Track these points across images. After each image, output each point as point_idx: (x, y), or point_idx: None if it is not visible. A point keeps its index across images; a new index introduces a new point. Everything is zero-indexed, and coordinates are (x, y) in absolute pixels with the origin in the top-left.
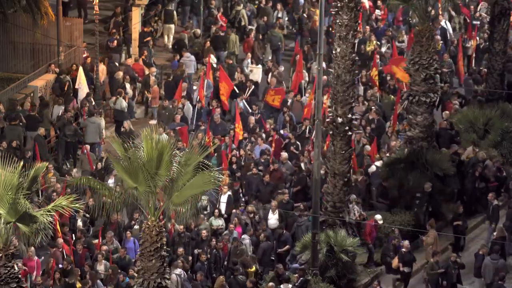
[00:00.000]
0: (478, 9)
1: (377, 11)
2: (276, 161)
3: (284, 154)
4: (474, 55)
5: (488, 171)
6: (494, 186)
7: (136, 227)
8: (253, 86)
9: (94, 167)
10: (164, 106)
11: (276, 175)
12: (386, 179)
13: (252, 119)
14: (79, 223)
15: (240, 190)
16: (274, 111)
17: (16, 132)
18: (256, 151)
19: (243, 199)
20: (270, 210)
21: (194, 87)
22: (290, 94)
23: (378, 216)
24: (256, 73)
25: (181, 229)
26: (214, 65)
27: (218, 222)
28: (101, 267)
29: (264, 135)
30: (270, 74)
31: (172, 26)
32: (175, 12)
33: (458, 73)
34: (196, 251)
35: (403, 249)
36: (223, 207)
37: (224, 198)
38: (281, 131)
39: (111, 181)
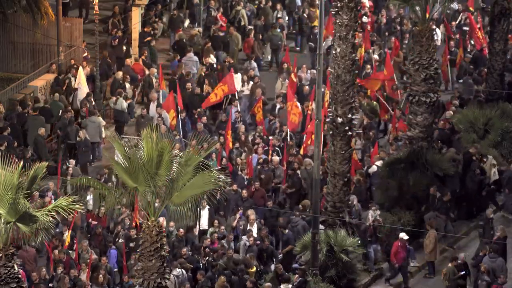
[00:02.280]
0: (460, 19)
1: (364, 18)
2: (257, 180)
3: (276, 159)
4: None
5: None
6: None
7: (121, 240)
8: (230, 95)
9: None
10: (143, 115)
11: (258, 195)
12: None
13: (242, 127)
14: (65, 236)
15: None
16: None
17: (39, 122)
18: (253, 160)
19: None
20: (249, 224)
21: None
22: (278, 99)
23: (403, 234)
24: (235, 81)
25: (181, 233)
26: (214, 65)
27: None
28: (83, 275)
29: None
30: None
31: None
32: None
33: (444, 78)
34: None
35: (459, 261)
36: (204, 221)
37: (204, 213)
38: (270, 138)
39: (89, 197)
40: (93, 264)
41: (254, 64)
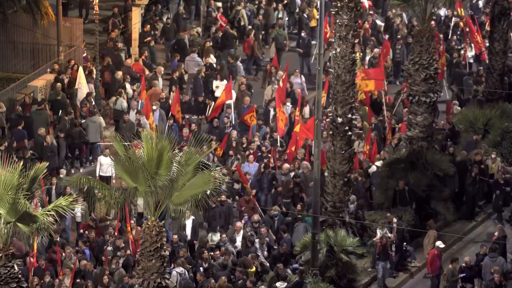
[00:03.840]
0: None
1: None
2: (246, 191)
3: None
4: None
5: None
6: None
7: (109, 248)
8: (212, 103)
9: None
10: (125, 120)
11: (249, 205)
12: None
13: (234, 133)
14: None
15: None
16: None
17: (44, 116)
18: (252, 169)
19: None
20: (235, 232)
21: (154, 107)
22: (272, 103)
23: (439, 243)
24: (222, 89)
25: (175, 239)
26: (214, 65)
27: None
28: (67, 280)
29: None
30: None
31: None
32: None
33: None
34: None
35: (463, 264)
36: (188, 231)
37: (188, 223)
38: (262, 142)
39: (77, 210)
40: (77, 270)
41: (240, 65)
